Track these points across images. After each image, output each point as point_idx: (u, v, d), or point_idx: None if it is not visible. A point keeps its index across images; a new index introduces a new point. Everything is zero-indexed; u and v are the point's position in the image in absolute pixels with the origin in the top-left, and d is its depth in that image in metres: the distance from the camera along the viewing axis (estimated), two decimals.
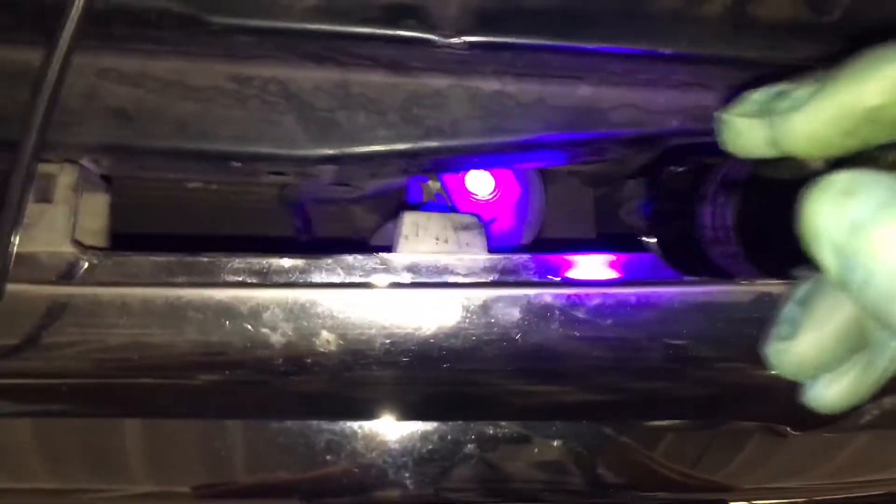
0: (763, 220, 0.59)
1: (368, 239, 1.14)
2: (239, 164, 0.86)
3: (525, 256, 0.85)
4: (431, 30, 0.80)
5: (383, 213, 1.25)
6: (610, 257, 0.86)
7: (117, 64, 0.84)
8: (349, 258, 0.83)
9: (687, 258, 0.81)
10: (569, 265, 0.85)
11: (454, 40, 0.80)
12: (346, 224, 1.37)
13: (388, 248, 0.87)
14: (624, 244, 1.24)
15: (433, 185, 1.06)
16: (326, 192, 1.01)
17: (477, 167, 1.00)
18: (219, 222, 1.22)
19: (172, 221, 1.18)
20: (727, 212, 0.64)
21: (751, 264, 0.62)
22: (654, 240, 0.84)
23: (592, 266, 0.86)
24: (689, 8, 0.81)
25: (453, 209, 1.02)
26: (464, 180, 1.04)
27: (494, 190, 1.04)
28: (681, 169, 0.84)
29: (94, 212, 0.87)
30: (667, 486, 1.01)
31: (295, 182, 0.94)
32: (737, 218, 0.62)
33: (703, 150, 0.99)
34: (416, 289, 0.83)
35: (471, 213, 0.87)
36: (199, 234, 1.16)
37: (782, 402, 0.95)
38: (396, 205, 1.20)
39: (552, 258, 0.85)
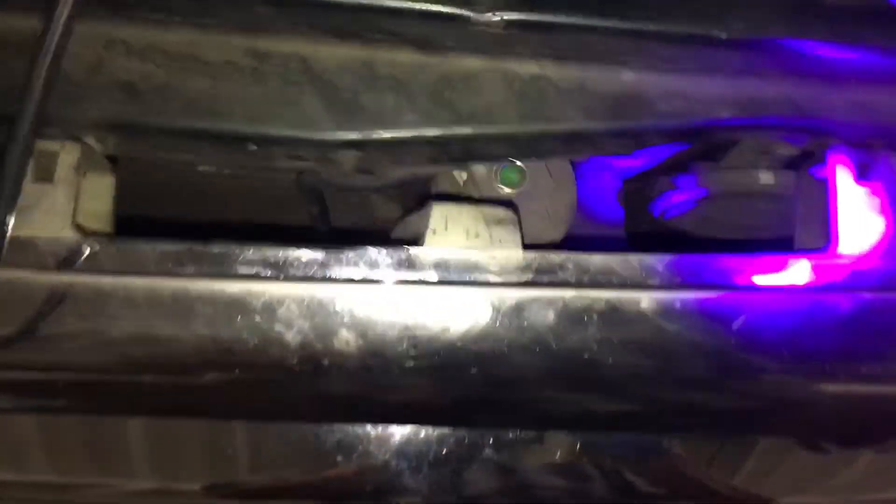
0: None
1: (389, 230, 1.08)
2: (255, 147, 0.79)
3: (563, 255, 0.78)
4: (466, 5, 0.73)
5: (405, 203, 1.18)
6: (657, 257, 0.79)
7: (125, 35, 0.78)
8: (372, 251, 0.76)
9: None
10: (609, 266, 0.79)
11: (491, 17, 0.74)
12: (364, 213, 1.30)
13: (414, 242, 0.80)
14: (659, 243, 1.17)
15: (460, 175, 0.99)
16: (347, 179, 0.94)
17: (511, 157, 0.93)
18: (231, 207, 1.15)
19: (182, 206, 1.12)
20: None
21: None
22: None
23: (635, 266, 0.79)
24: None
25: (483, 201, 0.95)
26: (494, 171, 0.97)
27: (526, 181, 0.97)
28: None
29: (98, 194, 0.81)
30: (708, 497, 0.95)
31: (314, 168, 0.88)
32: None
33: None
34: (444, 286, 0.77)
35: (505, 207, 0.80)
36: (210, 221, 1.09)
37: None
38: (420, 194, 1.14)
39: (593, 257, 0.78)
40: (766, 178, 0.99)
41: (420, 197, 1.13)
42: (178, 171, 1.00)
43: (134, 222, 0.84)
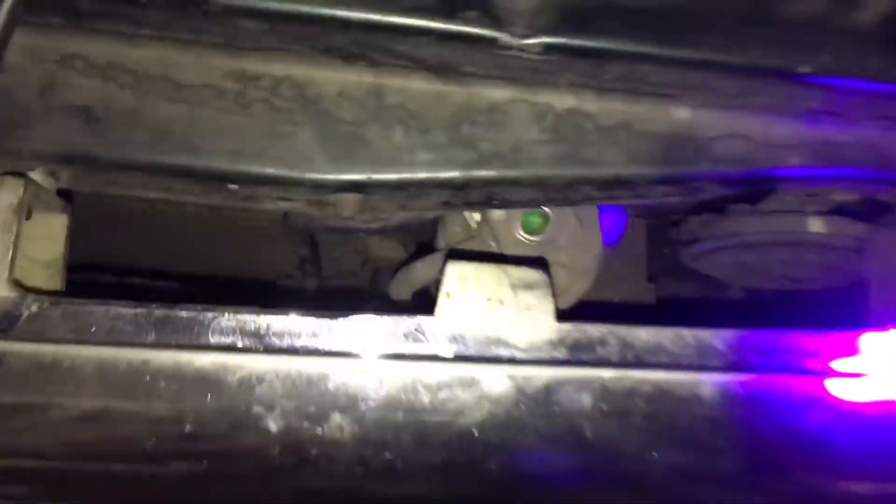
0: None
1: (385, 275, 0.95)
2: (236, 188, 0.66)
3: (603, 327, 0.65)
4: (499, 26, 0.61)
5: (405, 243, 1.05)
6: (715, 333, 0.66)
7: (85, 49, 0.65)
8: (374, 319, 0.63)
9: None
10: (658, 341, 0.65)
11: (527, 41, 0.61)
12: (357, 250, 1.17)
13: (421, 303, 0.67)
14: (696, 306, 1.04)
15: (473, 216, 0.86)
16: (342, 221, 0.81)
17: (539, 204, 0.80)
18: (207, 246, 1.02)
19: (150, 245, 0.98)
20: None
21: None
22: None
23: (689, 342, 0.66)
24: (833, 15, 0.62)
25: (505, 258, 0.82)
26: (514, 214, 0.84)
27: (550, 228, 0.84)
28: None
29: (47, 238, 0.68)
30: None
31: (307, 211, 0.74)
32: None
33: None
34: (460, 363, 0.64)
35: (535, 265, 0.67)
36: (178, 272, 0.96)
37: None
38: (422, 234, 1.01)
39: (638, 331, 0.65)
40: (816, 225, 0.86)
41: (423, 238, 1.00)
42: (147, 206, 0.87)
43: (91, 269, 0.71)
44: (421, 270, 0.84)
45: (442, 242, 0.88)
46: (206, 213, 1.02)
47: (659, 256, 1.26)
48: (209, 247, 1.10)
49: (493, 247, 0.83)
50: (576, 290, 0.85)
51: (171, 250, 1.08)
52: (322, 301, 1.17)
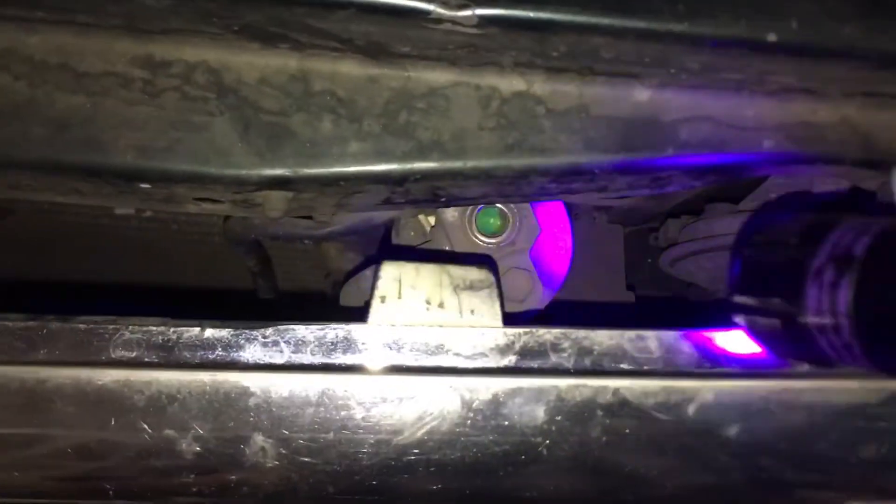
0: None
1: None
2: (148, 187, 0.59)
3: (556, 331, 0.58)
4: None
5: (365, 252, 0.99)
6: (680, 335, 0.59)
7: None
8: (298, 329, 0.57)
9: (785, 340, 0.57)
10: (618, 345, 0.59)
11: (461, 13, 0.54)
12: (319, 264, 1.11)
13: (363, 312, 0.60)
14: (671, 308, 0.98)
15: (427, 219, 0.80)
16: (282, 226, 0.75)
17: (485, 200, 0.73)
18: (150, 260, 0.95)
19: (87, 260, 0.92)
20: (840, 294, 0.49)
21: (868, 360, 0.49)
22: (742, 315, 0.59)
23: (652, 346, 0.59)
24: None
25: (453, 254, 0.75)
26: (469, 215, 0.78)
27: (509, 229, 0.77)
28: (782, 224, 0.63)
29: None
30: None
31: (234, 213, 0.68)
32: (854, 305, 0.48)
33: (811, 200, 0.75)
34: (396, 375, 0.57)
35: (480, 263, 0.60)
36: (105, 282, 0.89)
37: None
38: (383, 239, 0.94)
39: (596, 334, 0.58)
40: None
41: (382, 242, 0.94)
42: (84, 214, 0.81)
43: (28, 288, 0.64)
44: (370, 278, 0.77)
45: None
46: (154, 224, 0.96)
47: (639, 264, 1.20)
48: (161, 261, 1.04)
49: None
50: (538, 297, 0.78)
51: (120, 264, 1.02)
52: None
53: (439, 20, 0.55)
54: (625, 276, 1.10)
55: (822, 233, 0.54)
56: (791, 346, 0.57)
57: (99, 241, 0.95)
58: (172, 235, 0.98)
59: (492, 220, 0.78)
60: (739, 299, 0.60)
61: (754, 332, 0.59)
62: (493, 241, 0.77)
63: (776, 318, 0.57)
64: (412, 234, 0.81)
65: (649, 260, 1.19)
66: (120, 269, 1.02)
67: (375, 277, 0.60)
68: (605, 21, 0.55)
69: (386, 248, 0.82)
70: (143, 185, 0.60)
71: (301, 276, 1.17)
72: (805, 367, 0.60)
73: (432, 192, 0.65)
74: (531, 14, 0.55)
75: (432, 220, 0.79)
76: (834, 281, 0.50)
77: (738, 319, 0.59)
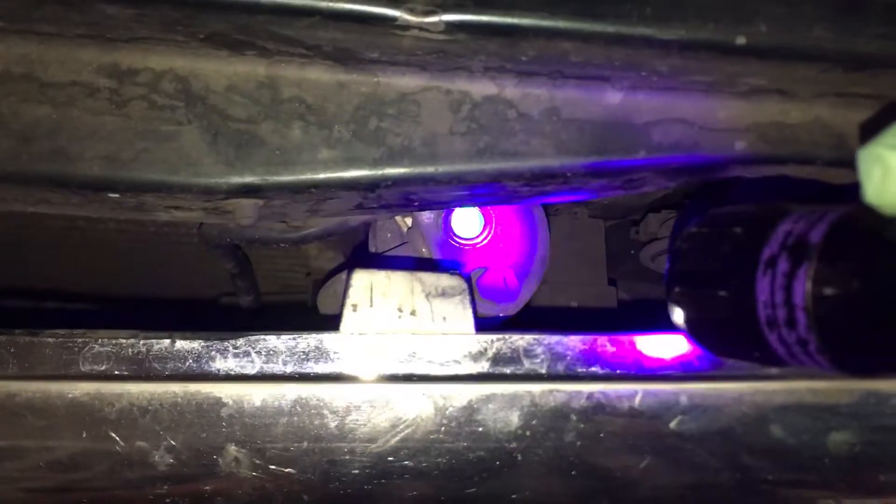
0: (863, 300, 0.44)
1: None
2: (116, 196, 0.59)
3: (529, 336, 0.58)
4: (395, 3, 0.54)
5: (345, 252, 0.98)
6: (662, 339, 0.59)
7: None
8: (270, 339, 0.57)
9: (728, 339, 0.55)
10: (592, 350, 0.59)
11: (428, 19, 0.54)
12: (300, 263, 1.11)
13: (337, 320, 0.60)
14: (654, 310, 0.98)
15: (404, 220, 0.79)
16: (257, 230, 0.74)
17: (459, 204, 0.73)
18: (131, 264, 0.95)
19: (65, 265, 0.91)
20: (796, 285, 0.46)
21: (825, 356, 0.46)
22: (680, 311, 0.58)
23: (626, 349, 0.59)
24: None
25: (429, 257, 0.75)
26: (444, 216, 0.78)
27: (484, 229, 0.77)
28: (725, 213, 0.58)
29: None
30: None
31: (206, 220, 0.67)
32: (812, 294, 0.45)
33: (766, 186, 0.74)
34: (369, 385, 0.56)
35: (452, 269, 0.60)
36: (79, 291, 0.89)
37: None
38: (361, 239, 0.94)
39: (570, 339, 0.58)
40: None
41: (360, 244, 0.93)
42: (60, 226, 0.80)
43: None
44: (336, 288, 0.77)
45: (373, 250, 0.81)
46: (132, 228, 0.95)
47: (621, 258, 1.19)
48: (139, 266, 1.04)
49: (423, 253, 0.77)
50: (512, 302, 0.78)
51: (95, 271, 1.01)
52: (263, 319, 1.10)
53: (406, 27, 0.55)
54: (606, 271, 1.10)
55: (773, 220, 0.51)
56: (735, 343, 0.54)
57: (75, 241, 0.94)
58: (149, 237, 0.97)
59: (468, 222, 0.77)
60: (678, 292, 0.58)
61: (693, 329, 0.57)
62: (469, 241, 0.77)
63: (720, 313, 0.54)
64: (389, 235, 0.80)
65: (632, 252, 1.19)
66: (96, 270, 1.01)
67: (347, 286, 0.59)
68: (573, 25, 0.55)
69: (361, 251, 0.82)
70: (112, 195, 0.59)
71: (281, 275, 1.16)
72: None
73: (405, 198, 0.65)
74: (498, 19, 0.54)
75: (409, 221, 0.79)
76: (788, 270, 0.47)
77: (676, 317, 0.57)
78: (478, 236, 0.78)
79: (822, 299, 0.45)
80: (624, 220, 1.15)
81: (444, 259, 0.75)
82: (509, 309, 0.78)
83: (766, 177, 0.68)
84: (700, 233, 0.60)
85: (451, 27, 0.54)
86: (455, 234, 0.77)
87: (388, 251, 0.79)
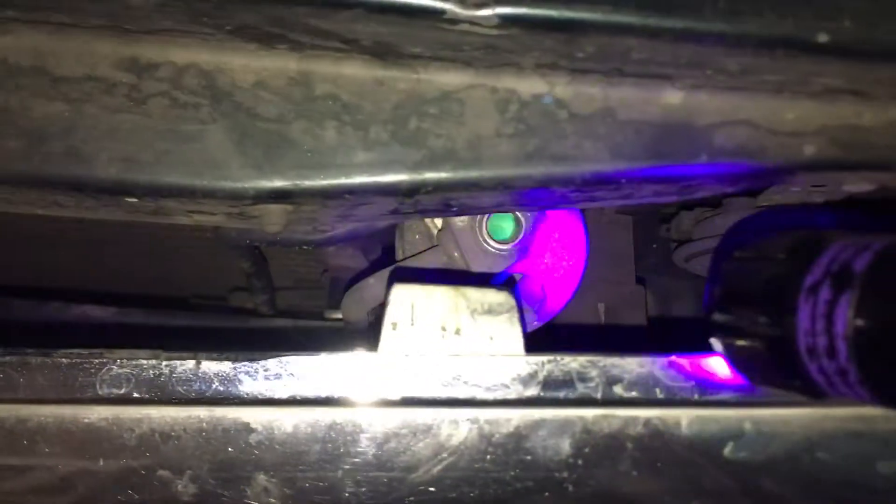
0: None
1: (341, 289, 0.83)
2: (134, 200, 0.54)
3: (583, 358, 0.54)
4: None
5: (365, 250, 0.94)
6: (711, 359, 0.55)
7: None
8: (302, 360, 0.52)
9: (769, 368, 0.52)
10: (649, 372, 0.54)
11: (480, 12, 0.49)
12: (316, 259, 1.06)
13: (370, 334, 0.56)
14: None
15: (434, 222, 0.74)
16: (278, 234, 0.69)
17: (500, 210, 0.68)
18: (145, 262, 0.90)
19: (71, 261, 0.87)
20: (838, 313, 0.44)
21: (865, 387, 0.44)
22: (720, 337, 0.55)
23: (685, 371, 0.54)
24: None
25: (465, 277, 0.70)
26: (479, 219, 0.73)
27: (521, 234, 0.72)
28: (770, 239, 0.57)
29: None
30: None
31: (229, 225, 0.63)
32: (854, 324, 0.43)
33: (812, 213, 0.70)
34: (411, 408, 0.52)
35: (500, 285, 0.56)
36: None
37: None
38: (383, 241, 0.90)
39: (626, 361, 0.54)
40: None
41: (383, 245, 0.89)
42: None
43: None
44: (374, 287, 0.73)
45: (400, 252, 0.77)
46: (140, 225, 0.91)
47: (644, 252, 1.15)
48: (148, 263, 0.99)
49: (456, 258, 0.72)
50: (553, 306, 0.74)
51: (106, 268, 0.97)
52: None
53: (455, 20, 0.50)
54: (634, 269, 1.05)
55: (817, 248, 0.49)
56: (776, 372, 0.52)
57: (85, 237, 0.90)
58: (157, 236, 0.93)
59: (505, 225, 0.73)
60: (718, 318, 0.55)
61: (733, 357, 0.54)
62: (505, 247, 0.73)
63: (759, 340, 0.52)
64: (417, 237, 0.76)
65: (654, 246, 1.14)
66: (111, 266, 0.97)
67: (385, 301, 0.55)
68: (640, 20, 0.50)
69: (387, 253, 0.77)
70: (130, 199, 0.55)
71: (294, 270, 1.12)
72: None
73: (444, 203, 0.60)
74: (558, 14, 0.50)
75: (439, 222, 0.74)
76: (831, 298, 0.45)
77: (715, 342, 0.55)
78: (514, 241, 0.73)
79: (864, 329, 0.43)
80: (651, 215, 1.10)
81: (481, 269, 0.70)
82: (545, 318, 0.74)
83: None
84: (743, 258, 0.58)
85: (505, 21, 0.50)
86: (491, 238, 0.72)
87: (416, 254, 0.74)
